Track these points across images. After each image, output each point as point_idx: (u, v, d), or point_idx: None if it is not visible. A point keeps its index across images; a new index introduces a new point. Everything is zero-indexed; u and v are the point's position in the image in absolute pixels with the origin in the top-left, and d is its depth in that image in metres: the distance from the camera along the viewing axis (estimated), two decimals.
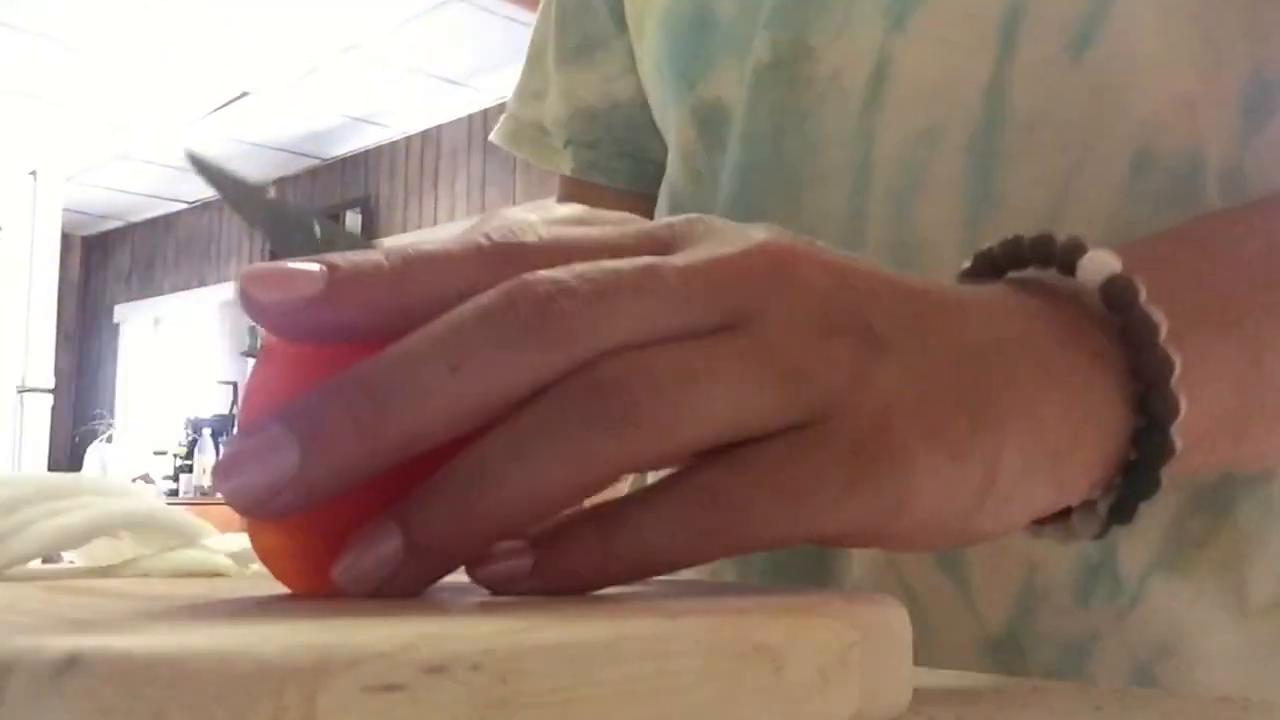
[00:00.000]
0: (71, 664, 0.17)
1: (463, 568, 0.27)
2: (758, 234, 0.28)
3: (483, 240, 0.27)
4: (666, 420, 0.25)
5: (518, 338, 0.25)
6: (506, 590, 0.26)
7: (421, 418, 0.24)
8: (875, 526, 0.27)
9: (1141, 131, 0.43)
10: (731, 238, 0.28)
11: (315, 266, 0.25)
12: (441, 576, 0.26)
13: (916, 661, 0.27)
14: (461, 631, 0.19)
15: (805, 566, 0.49)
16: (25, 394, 5.06)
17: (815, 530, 0.26)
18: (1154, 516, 0.44)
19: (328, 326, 0.26)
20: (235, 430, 0.26)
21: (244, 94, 4.80)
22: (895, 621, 0.27)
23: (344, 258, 0.26)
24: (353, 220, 5.63)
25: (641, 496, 0.26)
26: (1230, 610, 0.44)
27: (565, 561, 0.26)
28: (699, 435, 0.25)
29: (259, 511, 0.24)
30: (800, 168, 0.48)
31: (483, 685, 0.18)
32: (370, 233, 5.60)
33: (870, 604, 0.27)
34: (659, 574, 0.27)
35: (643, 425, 0.24)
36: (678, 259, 0.27)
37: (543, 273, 0.26)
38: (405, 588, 0.25)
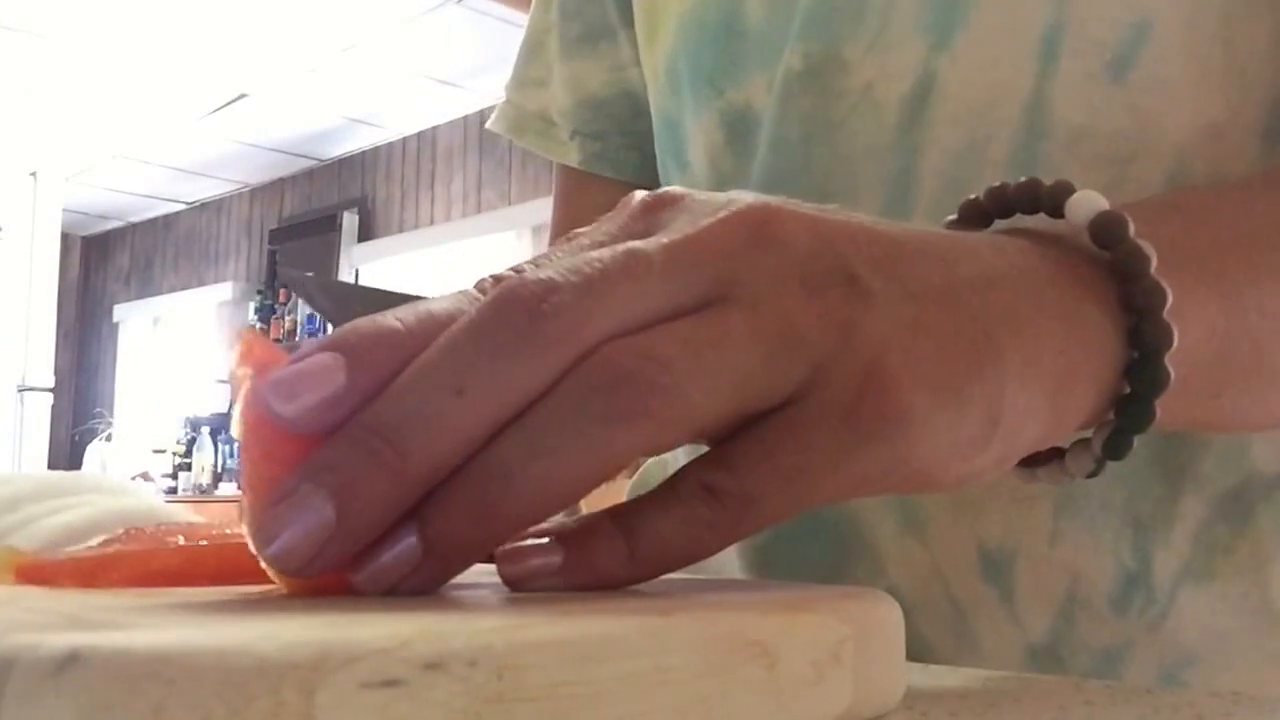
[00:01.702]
0: (71, 661, 0.17)
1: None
2: (732, 201, 0.28)
3: (486, 284, 0.28)
4: (677, 406, 0.25)
5: (515, 347, 0.25)
6: (532, 586, 0.27)
7: (440, 447, 0.25)
8: (876, 483, 0.28)
9: (1176, 154, 0.43)
10: (708, 209, 0.28)
11: (329, 358, 0.25)
12: (458, 574, 0.27)
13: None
14: (459, 628, 0.19)
15: (843, 576, 0.49)
16: (25, 393, 5.05)
17: (819, 502, 0.27)
18: (1183, 525, 0.44)
19: (355, 410, 0.25)
20: (245, 487, 0.26)
21: (242, 95, 4.80)
22: (888, 617, 0.27)
23: (357, 335, 0.26)
24: (350, 221, 5.62)
25: (655, 496, 0.27)
26: (1256, 614, 0.45)
27: (593, 559, 0.27)
28: (707, 415, 0.26)
29: (308, 571, 0.25)
30: (830, 178, 0.48)
31: (480, 681, 0.18)
32: (367, 233, 5.60)
33: (863, 600, 0.27)
34: (679, 568, 0.27)
35: (655, 413, 0.25)
36: (659, 238, 0.27)
37: (527, 274, 0.26)
38: (422, 586, 0.26)
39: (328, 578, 0.25)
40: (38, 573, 0.30)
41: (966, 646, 0.47)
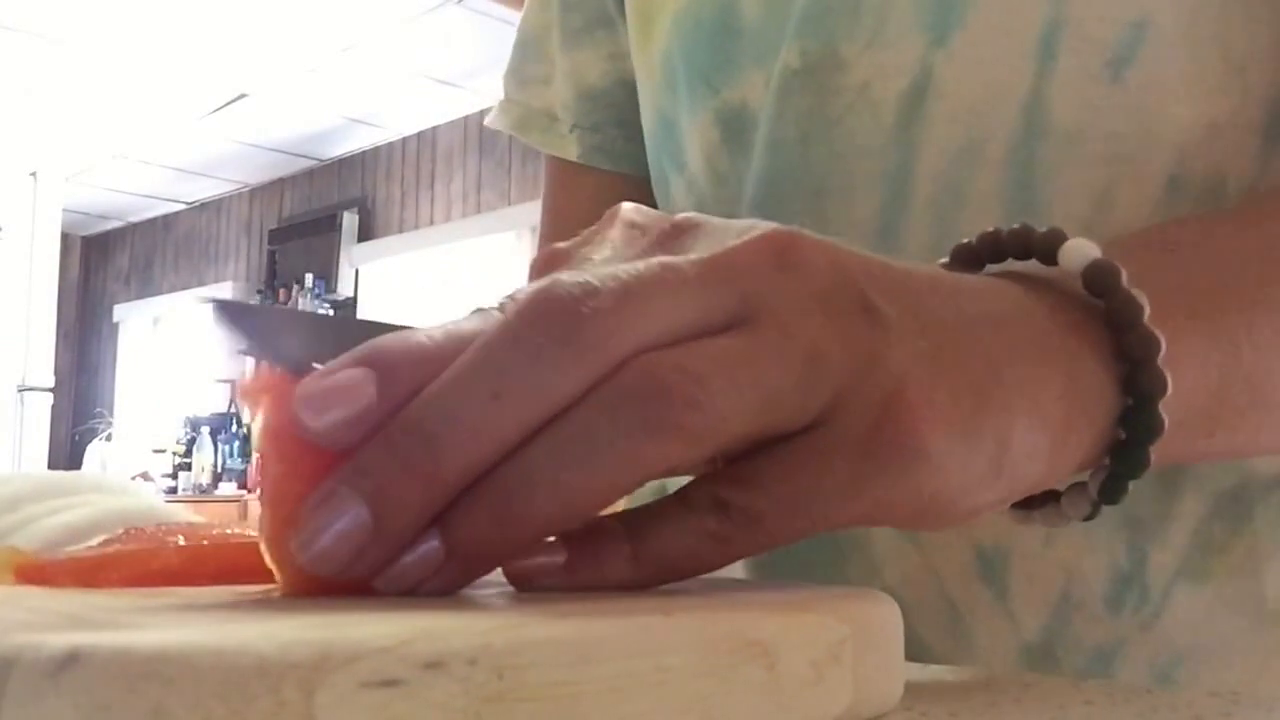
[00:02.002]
0: (71, 660, 0.17)
1: None
2: (754, 226, 0.28)
3: (508, 304, 0.27)
4: (709, 422, 0.25)
5: (553, 351, 0.25)
6: (536, 585, 0.27)
7: (474, 452, 0.25)
8: (886, 514, 0.28)
9: (1175, 153, 0.44)
10: (731, 232, 0.29)
11: (360, 373, 0.25)
12: (480, 577, 0.27)
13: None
14: (459, 627, 0.19)
15: (836, 576, 0.50)
16: (25, 393, 5.05)
17: (827, 527, 0.27)
18: (1180, 525, 0.45)
19: (383, 424, 0.25)
20: (264, 501, 0.26)
21: (242, 95, 4.80)
22: (887, 617, 0.27)
23: (386, 350, 0.26)
24: (350, 221, 5.63)
25: (664, 506, 0.27)
26: (1248, 613, 0.45)
27: (597, 562, 0.27)
28: (735, 434, 0.26)
29: (347, 575, 0.25)
30: (827, 176, 0.48)
31: (479, 680, 0.18)
32: (367, 233, 5.60)
33: (862, 599, 0.27)
34: (684, 578, 0.28)
35: (688, 428, 0.25)
36: (690, 255, 0.27)
37: (564, 277, 0.26)
38: (443, 588, 0.26)
39: (327, 579, 0.25)
40: (38, 573, 0.30)
41: (962, 646, 0.47)
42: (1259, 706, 0.28)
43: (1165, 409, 0.31)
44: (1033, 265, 0.33)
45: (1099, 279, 0.31)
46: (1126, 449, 0.31)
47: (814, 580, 0.49)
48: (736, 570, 0.53)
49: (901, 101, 0.46)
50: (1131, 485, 0.32)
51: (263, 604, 0.25)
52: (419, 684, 0.18)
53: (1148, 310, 0.31)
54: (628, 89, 0.64)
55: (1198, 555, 0.45)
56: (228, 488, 5.50)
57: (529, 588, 0.27)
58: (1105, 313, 0.31)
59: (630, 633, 0.21)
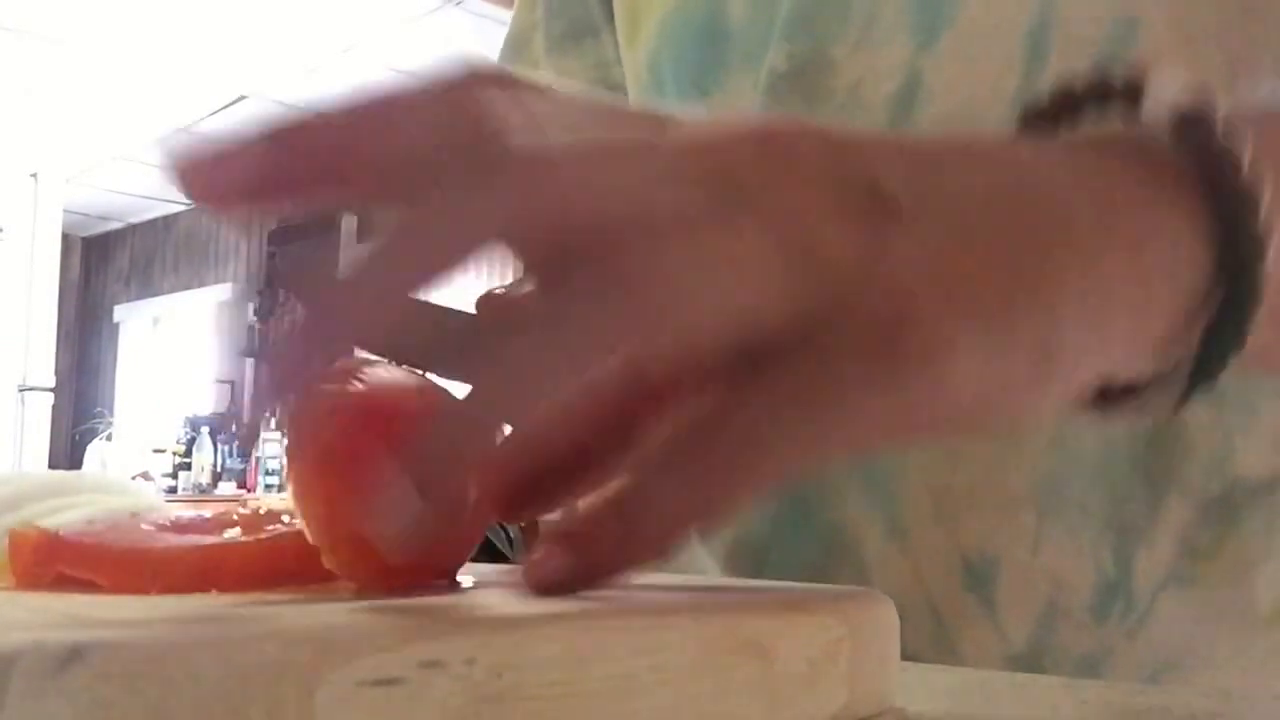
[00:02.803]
0: (73, 659, 0.17)
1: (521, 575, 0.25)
2: (734, 121, 0.26)
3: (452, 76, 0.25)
4: (681, 328, 0.23)
5: (491, 193, 0.22)
6: (559, 591, 0.25)
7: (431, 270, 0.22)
8: (912, 421, 0.24)
9: None
10: (709, 124, 0.26)
11: (253, 133, 0.24)
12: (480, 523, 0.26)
13: None
14: (458, 627, 0.19)
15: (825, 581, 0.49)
16: (26, 393, 5.06)
17: (841, 447, 0.25)
18: (1167, 531, 0.44)
19: (277, 187, 0.23)
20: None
21: (241, 97, 4.80)
22: (883, 617, 0.27)
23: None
24: (350, 222, 5.62)
25: (653, 464, 0.25)
26: (1238, 619, 0.45)
27: (593, 551, 0.24)
28: (713, 342, 0.23)
29: (408, 548, 0.24)
30: None
31: (478, 680, 0.19)
32: (366, 234, 5.60)
33: (859, 599, 0.27)
34: (684, 535, 0.24)
35: (665, 326, 0.23)
36: (670, 136, 0.25)
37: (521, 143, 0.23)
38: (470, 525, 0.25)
39: (404, 571, 0.25)
40: (72, 553, 0.28)
41: (945, 654, 0.46)
42: (1254, 705, 0.28)
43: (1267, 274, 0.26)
44: (1113, 126, 0.29)
45: (1189, 127, 0.27)
46: (1218, 325, 0.27)
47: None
48: (719, 574, 0.53)
49: (891, 103, 0.46)
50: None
51: (263, 603, 0.25)
52: (418, 683, 0.18)
53: (1247, 159, 0.26)
54: (617, 96, 0.63)
55: (1185, 562, 0.44)
56: (227, 487, 5.49)
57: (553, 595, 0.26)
58: (1196, 165, 0.27)
59: (628, 633, 0.21)
